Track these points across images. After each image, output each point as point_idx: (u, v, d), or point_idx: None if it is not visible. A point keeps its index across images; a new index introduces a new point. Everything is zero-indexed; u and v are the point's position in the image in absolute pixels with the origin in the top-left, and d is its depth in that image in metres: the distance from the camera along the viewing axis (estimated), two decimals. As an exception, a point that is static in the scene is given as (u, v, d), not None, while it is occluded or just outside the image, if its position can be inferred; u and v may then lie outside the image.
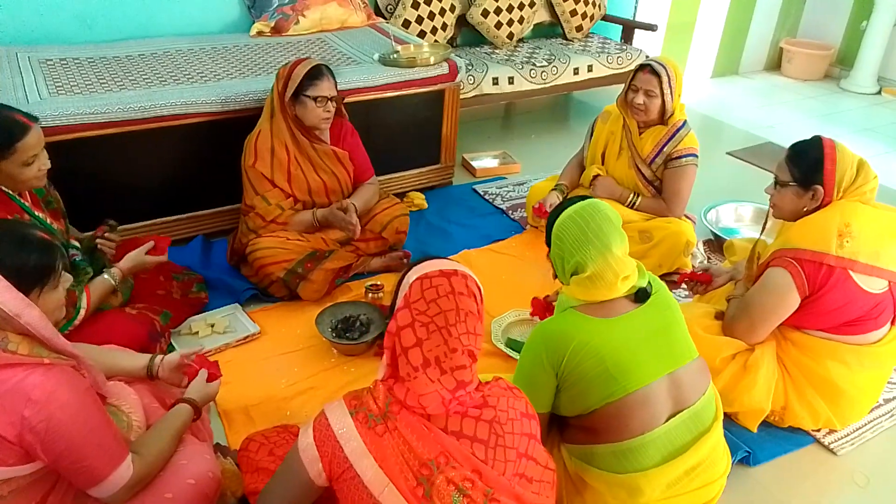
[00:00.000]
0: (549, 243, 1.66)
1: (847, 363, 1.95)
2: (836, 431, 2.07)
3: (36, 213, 1.99)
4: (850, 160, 1.89)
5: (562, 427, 1.69)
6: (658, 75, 2.60)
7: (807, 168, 1.91)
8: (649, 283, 1.60)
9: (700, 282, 2.30)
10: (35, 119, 1.88)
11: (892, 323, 2.00)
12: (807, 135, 2.00)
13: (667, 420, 1.54)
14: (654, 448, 1.53)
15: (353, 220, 2.54)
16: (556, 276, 1.69)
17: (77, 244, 2.15)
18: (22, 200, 1.96)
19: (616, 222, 1.59)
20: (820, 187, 1.89)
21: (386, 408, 1.19)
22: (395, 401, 1.20)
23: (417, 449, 1.16)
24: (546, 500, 1.29)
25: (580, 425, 1.60)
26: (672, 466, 1.54)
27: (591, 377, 1.50)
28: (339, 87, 2.85)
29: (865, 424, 2.12)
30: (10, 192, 1.91)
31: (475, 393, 1.23)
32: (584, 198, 1.64)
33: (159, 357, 1.69)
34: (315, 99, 2.46)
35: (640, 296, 1.56)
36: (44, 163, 1.90)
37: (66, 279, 1.38)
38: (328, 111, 2.51)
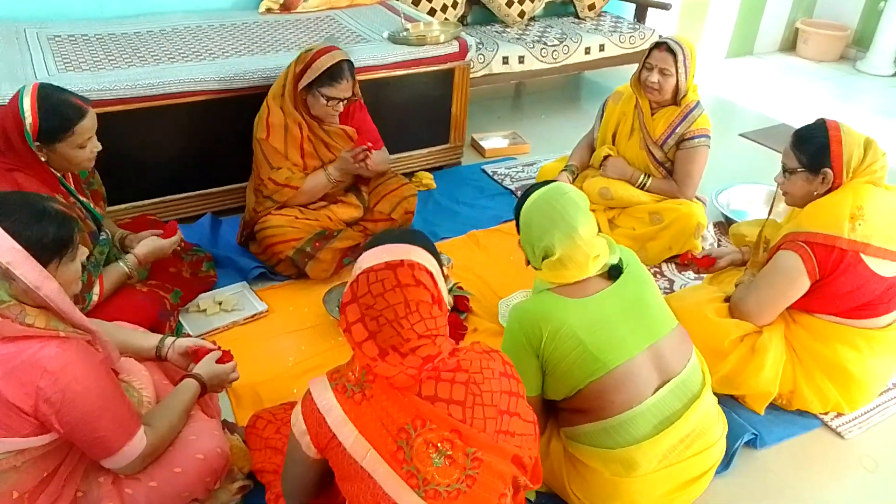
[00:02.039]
0: (519, 231, 1.68)
1: (857, 347, 1.94)
2: (843, 415, 2.07)
3: (80, 197, 2.03)
4: (857, 140, 1.87)
5: (556, 413, 1.70)
6: (674, 53, 2.57)
7: (813, 152, 1.89)
8: (620, 259, 1.61)
9: (702, 265, 2.29)
10: (89, 102, 1.92)
11: None
12: (819, 117, 1.97)
13: (654, 392, 1.56)
14: (643, 420, 1.54)
15: (362, 148, 2.49)
16: (528, 263, 1.70)
17: (107, 231, 2.16)
18: (67, 183, 1.99)
19: (582, 204, 1.59)
20: (829, 170, 1.87)
21: (362, 377, 1.22)
22: (370, 371, 1.22)
23: (393, 414, 1.18)
24: (529, 451, 1.31)
25: (570, 407, 1.62)
26: (665, 436, 1.55)
27: (571, 358, 1.52)
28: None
29: (874, 408, 2.11)
30: (58, 173, 1.94)
31: (449, 359, 1.24)
32: (548, 182, 1.65)
33: (170, 339, 1.70)
34: (328, 98, 2.43)
35: (613, 273, 1.59)
36: (96, 145, 1.95)
37: (83, 252, 1.39)
38: (337, 110, 2.47)
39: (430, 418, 1.18)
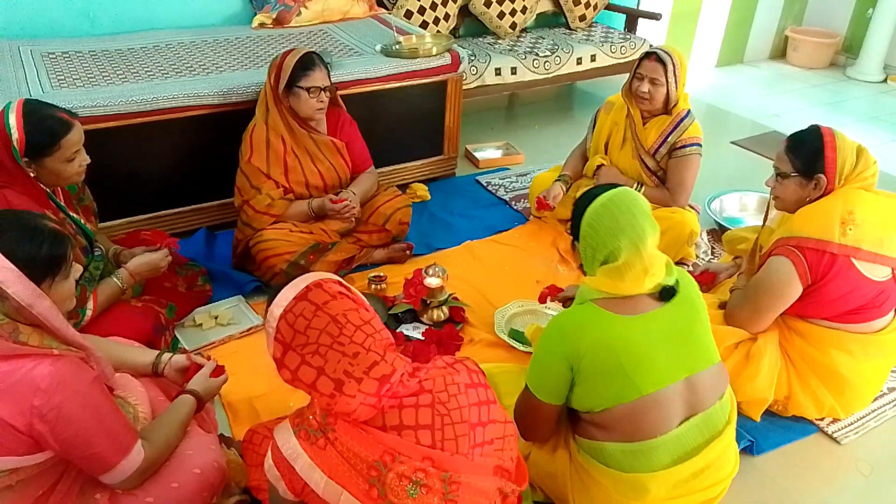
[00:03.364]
0: (574, 232, 1.59)
1: (851, 352, 1.95)
2: (839, 420, 2.07)
3: (70, 213, 2.02)
4: (850, 147, 1.88)
5: (573, 419, 1.65)
6: (664, 63, 2.59)
7: (808, 157, 1.90)
8: (677, 280, 1.53)
9: (702, 282, 2.29)
10: (76, 116, 1.93)
11: None
12: (812, 123, 1.99)
13: (680, 423, 1.51)
14: (664, 450, 1.51)
15: (354, 205, 2.54)
16: (580, 267, 1.64)
17: (101, 246, 2.17)
18: (57, 199, 1.99)
19: (648, 212, 1.52)
20: (823, 176, 1.88)
21: (323, 420, 1.20)
22: (330, 413, 1.20)
23: (361, 453, 1.16)
24: (510, 452, 1.29)
25: (592, 421, 1.56)
26: (681, 468, 1.52)
27: (605, 374, 1.47)
28: (341, 78, 2.86)
29: (869, 413, 2.11)
30: (47, 188, 1.94)
31: (409, 380, 1.21)
32: (612, 186, 1.56)
33: (167, 355, 1.70)
34: (308, 90, 2.45)
35: (665, 294, 1.50)
36: (84, 158, 1.95)
37: (76, 269, 1.40)
38: (322, 101, 2.50)
39: (400, 451, 1.16)
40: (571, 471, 1.64)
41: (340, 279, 1.25)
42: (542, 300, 2.13)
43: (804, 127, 1.98)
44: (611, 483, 1.55)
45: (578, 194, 2.81)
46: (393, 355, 1.21)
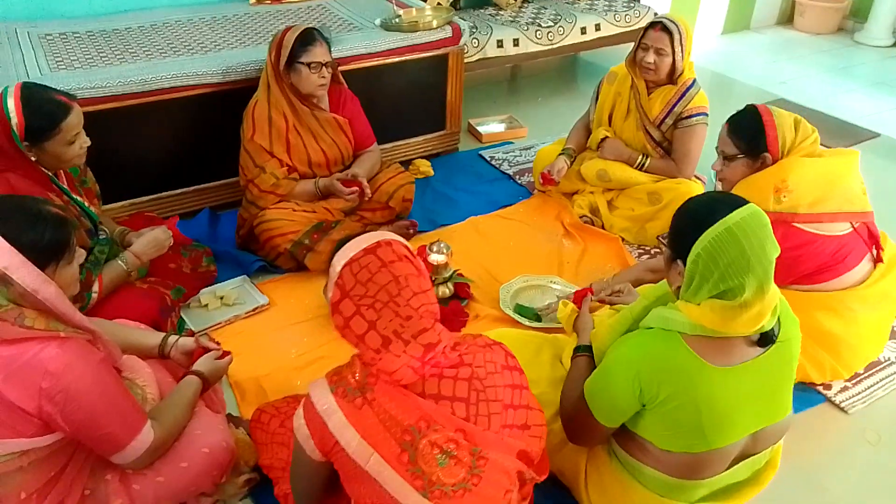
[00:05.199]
0: (677, 249, 1.37)
1: (835, 310, 1.98)
2: (847, 389, 2.07)
3: (74, 195, 2.02)
4: (788, 122, 1.94)
5: (618, 430, 1.51)
6: (670, 33, 2.55)
7: (750, 138, 1.96)
8: (778, 321, 1.37)
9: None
10: (74, 97, 1.92)
11: (875, 262, 2.03)
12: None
13: (729, 466, 1.46)
14: (706, 488, 1.48)
15: (362, 185, 2.54)
16: (675, 290, 1.40)
17: (105, 229, 2.16)
18: (60, 182, 1.98)
19: (773, 238, 1.32)
20: (768, 154, 1.94)
21: (363, 380, 1.21)
22: (371, 373, 1.21)
23: (397, 416, 1.17)
24: (540, 442, 1.30)
25: (643, 447, 1.47)
26: (715, 500, 1.51)
27: (679, 424, 1.37)
28: (340, 54, 2.82)
29: (877, 382, 2.11)
30: (49, 172, 1.94)
31: (451, 352, 1.23)
32: (731, 199, 1.34)
33: (173, 338, 1.71)
34: (309, 65, 2.43)
35: (764, 340, 1.35)
36: (85, 140, 1.94)
37: (80, 254, 1.40)
38: (323, 77, 2.48)
39: (436, 419, 1.17)
40: (590, 469, 1.60)
41: (408, 245, 1.26)
42: (577, 301, 1.91)
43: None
44: (639, 499, 1.51)
45: (584, 167, 2.82)
46: (441, 326, 1.23)
